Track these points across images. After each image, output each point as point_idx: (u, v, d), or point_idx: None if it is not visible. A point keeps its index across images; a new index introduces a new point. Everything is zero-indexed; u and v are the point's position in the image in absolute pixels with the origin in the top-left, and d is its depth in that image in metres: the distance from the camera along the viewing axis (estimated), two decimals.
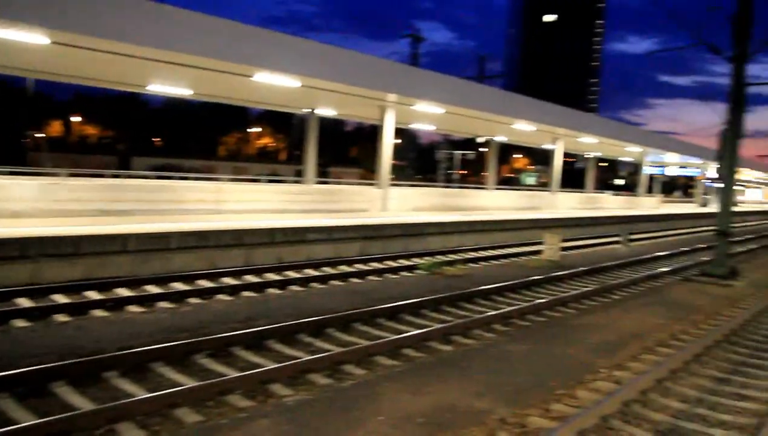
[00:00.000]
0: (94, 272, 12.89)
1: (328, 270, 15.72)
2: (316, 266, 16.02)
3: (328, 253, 17.72)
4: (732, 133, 17.27)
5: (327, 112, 27.88)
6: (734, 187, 18.13)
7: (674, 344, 10.11)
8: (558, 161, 35.65)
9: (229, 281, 13.61)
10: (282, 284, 13.53)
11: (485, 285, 13.96)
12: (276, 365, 7.87)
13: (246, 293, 12.61)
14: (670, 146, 46.12)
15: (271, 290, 13.06)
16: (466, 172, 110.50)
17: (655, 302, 13.85)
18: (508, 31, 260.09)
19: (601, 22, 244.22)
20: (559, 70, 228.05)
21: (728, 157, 17.41)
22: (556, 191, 35.51)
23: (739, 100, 17.13)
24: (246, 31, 16.48)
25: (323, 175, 62.39)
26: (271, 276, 14.46)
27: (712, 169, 52.14)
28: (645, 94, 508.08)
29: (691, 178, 73.54)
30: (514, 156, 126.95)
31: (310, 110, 26.65)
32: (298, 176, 34.24)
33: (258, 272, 14.71)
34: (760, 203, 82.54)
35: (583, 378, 8.14)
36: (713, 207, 38.62)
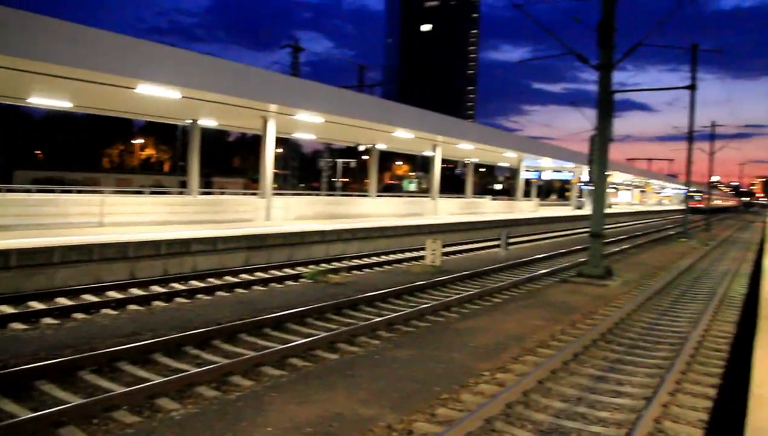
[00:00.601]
0: None
1: (214, 281, 15.59)
2: (201, 277, 15.86)
3: (214, 264, 17.54)
4: (601, 138, 18.21)
5: (209, 122, 27.45)
6: (606, 190, 19.08)
7: (554, 345, 10.51)
8: (437, 168, 36.43)
9: (114, 294, 13.35)
10: (168, 297, 13.33)
11: (369, 292, 14.09)
12: (163, 379, 7.71)
13: (132, 307, 12.40)
14: (545, 151, 48.13)
15: (157, 303, 12.85)
16: (348, 179, 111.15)
17: (534, 303, 14.36)
18: (386, 41, 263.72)
19: (475, 31, 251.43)
20: (437, 78, 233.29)
21: (598, 160, 18.33)
22: (436, 197, 36.26)
23: (606, 106, 18.07)
24: (127, 43, 16.19)
25: (207, 185, 61.14)
26: (157, 289, 14.25)
27: (585, 173, 54.73)
28: (520, 100, 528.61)
29: (566, 182, 76.94)
30: (396, 163, 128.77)
31: (193, 121, 26.09)
32: (183, 187, 33.44)
33: (143, 284, 14.47)
34: (631, 205, 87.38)
35: (467, 382, 8.33)
36: (588, 209, 40.43)
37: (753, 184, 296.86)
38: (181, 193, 27.44)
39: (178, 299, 13.33)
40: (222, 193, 28.99)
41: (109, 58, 15.58)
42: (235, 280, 15.81)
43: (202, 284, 15.00)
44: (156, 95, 18.39)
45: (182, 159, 61.52)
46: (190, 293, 13.80)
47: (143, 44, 16.75)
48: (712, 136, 51.94)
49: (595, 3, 17.72)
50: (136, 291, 13.86)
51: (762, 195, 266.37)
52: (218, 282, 15.42)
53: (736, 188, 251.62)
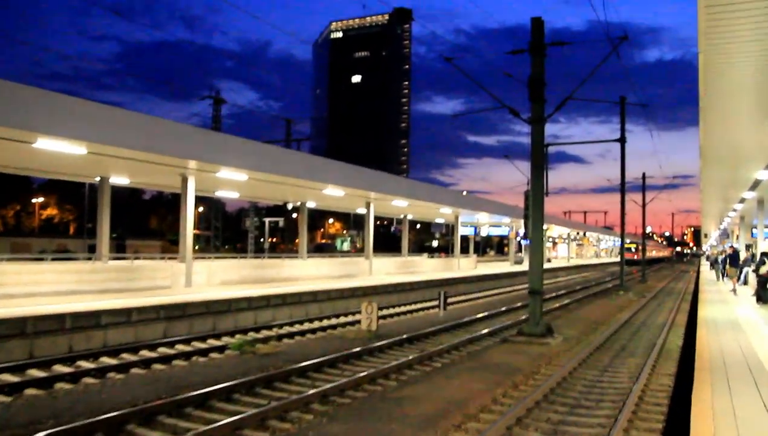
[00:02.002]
0: None
1: (128, 357, 15.05)
2: (113, 353, 15.27)
3: (128, 337, 16.92)
4: (535, 192, 18.65)
5: (121, 180, 26.92)
6: (544, 245, 19.47)
7: (496, 409, 10.52)
8: (371, 226, 36.60)
9: (8, 378, 12.63)
10: (73, 377, 12.72)
11: (301, 362, 13.85)
12: None
13: (30, 391, 11.68)
14: (481, 206, 48.96)
15: (61, 385, 12.22)
16: (277, 240, 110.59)
17: (475, 366, 14.38)
18: (314, 92, 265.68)
19: (407, 83, 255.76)
20: (368, 131, 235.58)
21: (534, 215, 18.73)
22: (371, 257, 36.33)
23: (539, 159, 18.58)
24: (24, 93, 15.60)
25: (119, 249, 59.75)
26: (61, 369, 13.60)
27: (523, 227, 55.83)
28: (455, 153, 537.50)
29: (504, 237, 78.12)
30: (328, 221, 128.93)
31: (102, 178, 25.53)
32: (91, 252, 32.56)
33: (44, 364, 13.78)
34: (569, 258, 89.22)
35: None
36: (527, 265, 41.11)
37: (685, 234, 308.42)
38: (89, 258, 26.66)
39: (86, 380, 12.73)
40: (137, 258, 28.32)
41: (3, 109, 14.91)
42: (153, 354, 15.34)
43: (114, 361, 14.45)
44: (59, 151, 17.76)
45: (90, 220, 59.95)
46: (100, 372, 13.23)
47: (43, 94, 16.11)
48: (643, 188, 53.87)
49: (526, 56, 18.37)
50: (35, 373, 13.15)
51: (693, 244, 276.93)
52: (133, 358, 14.90)
53: (669, 239, 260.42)
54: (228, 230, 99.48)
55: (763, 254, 23.24)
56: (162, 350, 16.10)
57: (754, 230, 42.52)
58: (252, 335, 18.65)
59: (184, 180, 23.71)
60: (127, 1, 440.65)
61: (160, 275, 23.12)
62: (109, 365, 13.81)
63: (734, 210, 40.06)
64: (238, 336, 18.22)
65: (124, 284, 21.32)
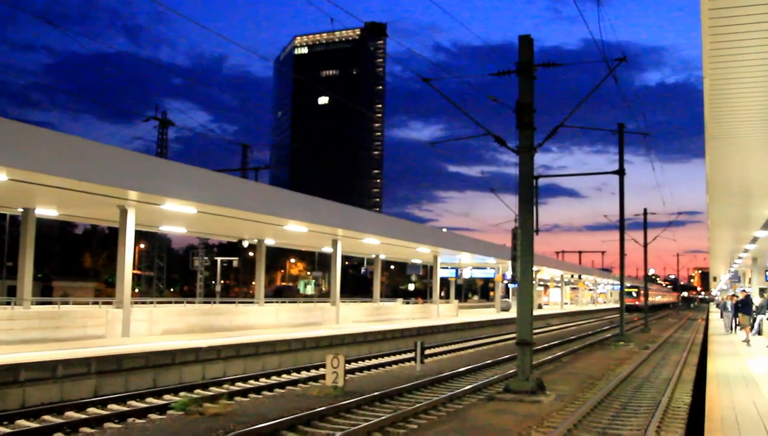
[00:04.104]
0: None
1: (51, 419, 14.64)
2: (33, 414, 14.86)
3: (51, 396, 16.50)
4: (524, 229, 18.66)
5: (48, 212, 26.63)
6: (534, 289, 19.44)
7: None
8: (338, 267, 36.45)
9: None
10: None
11: (256, 424, 13.63)
12: None
13: None
14: (463, 245, 49.09)
15: None
16: (230, 282, 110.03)
17: (455, 428, 14.24)
18: (275, 115, 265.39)
19: (380, 106, 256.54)
20: (336, 160, 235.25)
21: (522, 256, 18.72)
22: (338, 302, 36.14)
23: (528, 192, 18.62)
24: None
25: (45, 292, 58.87)
26: None
27: (510, 269, 56.10)
28: (434, 186, 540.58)
29: (489, 280, 78.35)
30: (290, 260, 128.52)
31: (25, 210, 25.21)
32: (11, 295, 32.06)
33: None
34: (563, 304, 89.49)
35: None
36: (515, 311, 41.33)
37: (692, 277, 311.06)
38: (8, 303, 26.20)
39: None
40: (65, 303, 27.89)
41: None
42: (81, 416, 14.96)
43: (33, 424, 14.06)
44: None
45: (11, 258, 58.74)
46: None
47: None
48: (644, 225, 54.25)
49: (513, 78, 18.50)
50: None
51: (701, 288, 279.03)
52: (57, 420, 14.49)
53: (674, 282, 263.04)
54: (174, 271, 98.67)
55: None
56: (92, 410, 15.73)
57: None
58: (199, 392, 18.38)
59: (123, 213, 23.45)
60: (59, 7, 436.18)
61: (93, 322, 22.72)
62: (28, 428, 13.44)
63: (746, 250, 40.57)
64: (182, 394, 17.93)
65: (49, 333, 20.89)
